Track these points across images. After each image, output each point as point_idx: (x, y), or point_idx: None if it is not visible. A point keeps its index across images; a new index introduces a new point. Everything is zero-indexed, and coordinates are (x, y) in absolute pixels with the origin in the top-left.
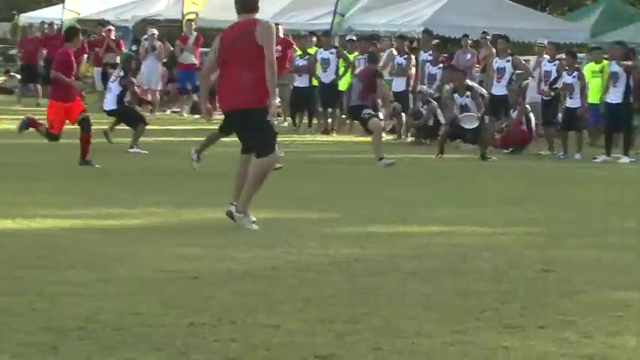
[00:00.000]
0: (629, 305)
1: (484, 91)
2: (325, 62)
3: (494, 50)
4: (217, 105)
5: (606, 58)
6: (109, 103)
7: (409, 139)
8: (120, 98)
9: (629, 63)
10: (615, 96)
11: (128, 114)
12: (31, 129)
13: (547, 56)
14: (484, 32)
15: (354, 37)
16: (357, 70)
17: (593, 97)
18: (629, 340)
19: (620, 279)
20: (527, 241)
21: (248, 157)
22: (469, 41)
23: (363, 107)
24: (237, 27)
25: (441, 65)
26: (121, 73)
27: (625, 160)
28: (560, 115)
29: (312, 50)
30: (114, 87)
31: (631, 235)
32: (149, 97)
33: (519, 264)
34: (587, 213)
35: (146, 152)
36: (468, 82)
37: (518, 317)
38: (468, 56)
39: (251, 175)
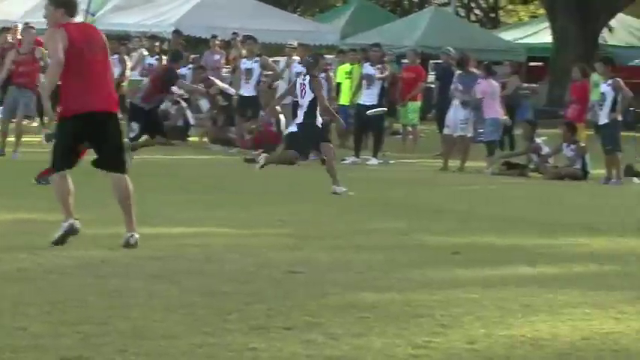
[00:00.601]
0: (375, 307)
1: (232, 91)
2: None
3: (244, 51)
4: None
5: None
6: None
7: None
8: None
9: (387, 68)
10: (369, 97)
11: None
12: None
13: (297, 57)
14: (234, 33)
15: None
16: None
17: (344, 99)
18: (375, 342)
19: (368, 280)
20: (275, 243)
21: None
22: (217, 42)
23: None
24: (84, 31)
25: (190, 66)
26: None
27: (373, 161)
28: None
29: None
30: None
31: (379, 236)
32: None
33: (267, 265)
34: (336, 214)
35: None
36: (217, 82)
37: (264, 318)
38: (216, 57)
39: (126, 196)
